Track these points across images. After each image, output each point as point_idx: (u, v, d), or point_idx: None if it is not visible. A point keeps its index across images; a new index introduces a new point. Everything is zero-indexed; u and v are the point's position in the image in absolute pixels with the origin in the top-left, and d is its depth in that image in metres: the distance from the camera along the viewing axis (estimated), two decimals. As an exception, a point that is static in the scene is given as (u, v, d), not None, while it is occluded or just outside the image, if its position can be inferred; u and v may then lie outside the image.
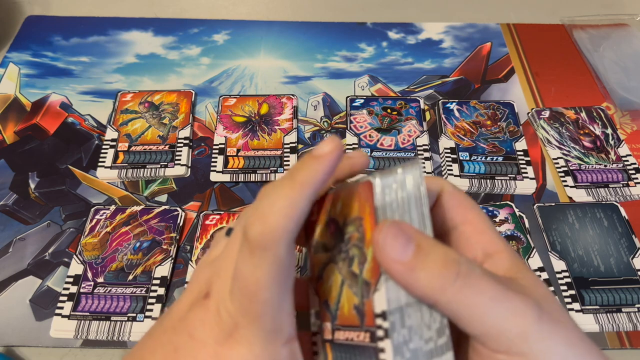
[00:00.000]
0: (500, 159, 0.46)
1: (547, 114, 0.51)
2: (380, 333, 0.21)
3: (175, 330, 0.23)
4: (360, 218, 0.22)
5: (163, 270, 0.39)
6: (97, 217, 0.42)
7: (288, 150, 0.47)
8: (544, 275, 0.39)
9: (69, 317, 0.37)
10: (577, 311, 0.38)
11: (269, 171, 0.45)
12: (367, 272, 0.22)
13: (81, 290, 0.38)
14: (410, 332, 0.21)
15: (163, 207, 0.43)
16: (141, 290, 0.38)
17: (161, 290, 0.38)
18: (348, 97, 0.52)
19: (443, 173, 0.46)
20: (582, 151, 0.47)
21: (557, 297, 0.23)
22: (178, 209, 0.43)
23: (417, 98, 0.52)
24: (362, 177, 0.23)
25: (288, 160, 0.46)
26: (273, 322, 0.22)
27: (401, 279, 0.21)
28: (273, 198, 0.21)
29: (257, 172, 0.45)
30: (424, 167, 0.46)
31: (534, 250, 0.41)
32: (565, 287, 0.39)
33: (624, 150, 0.48)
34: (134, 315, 0.37)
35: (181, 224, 0.42)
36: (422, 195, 0.22)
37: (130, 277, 0.39)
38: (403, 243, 0.21)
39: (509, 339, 0.20)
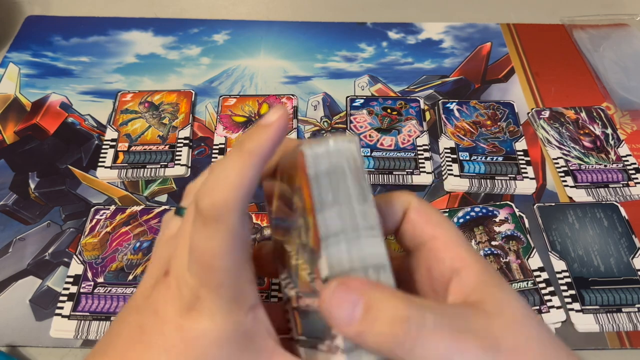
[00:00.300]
0: (500, 159, 0.46)
1: (547, 114, 0.51)
2: None
3: (140, 309, 0.24)
4: (300, 187, 0.22)
5: (163, 270, 0.39)
6: (97, 217, 0.42)
7: (288, 150, 0.47)
8: (544, 275, 0.39)
9: (69, 317, 0.37)
10: (577, 311, 0.38)
11: (269, 171, 0.45)
12: (311, 239, 0.22)
13: (81, 290, 0.38)
14: None
15: (163, 207, 0.43)
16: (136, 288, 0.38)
17: (161, 290, 0.38)
18: (348, 97, 0.52)
19: (443, 173, 0.46)
20: (582, 151, 0.47)
21: (531, 312, 0.22)
22: (178, 209, 0.43)
23: (417, 98, 0.52)
24: (302, 145, 0.22)
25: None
26: (232, 290, 0.22)
27: (353, 340, 0.21)
28: (222, 169, 0.21)
29: (257, 172, 0.45)
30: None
31: (534, 250, 0.41)
32: (565, 287, 0.39)
33: (624, 150, 0.48)
34: (134, 315, 0.37)
35: (181, 224, 0.42)
36: (358, 166, 0.22)
37: (131, 277, 0.39)
38: (350, 305, 0.20)
39: None
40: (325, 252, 0.21)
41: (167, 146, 0.47)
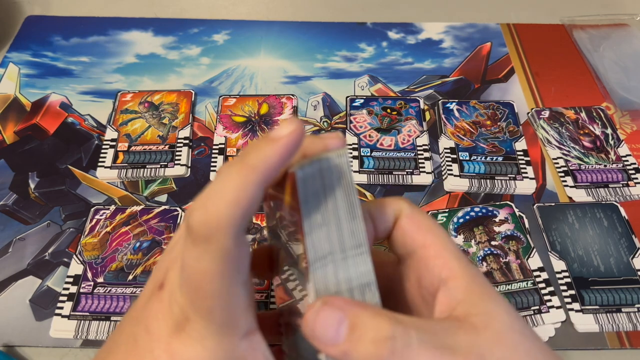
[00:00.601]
0: (500, 159, 0.46)
1: (547, 114, 0.51)
2: None
3: (136, 321, 0.23)
4: (292, 207, 0.22)
5: (163, 270, 0.39)
6: (97, 217, 0.42)
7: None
8: (544, 275, 0.39)
9: (68, 317, 0.37)
10: (577, 311, 0.38)
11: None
12: (301, 261, 0.21)
13: (81, 290, 0.38)
14: None
15: (163, 207, 0.43)
16: (141, 291, 0.38)
17: (161, 290, 0.38)
18: (348, 97, 0.52)
19: (443, 173, 0.46)
20: (582, 151, 0.47)
21: (519, 322, 0.22)
22: (178, 209, 0.43)
23: (417, 98, 0.52)
24: (297, 164, 0.21)
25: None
26: (224, 315, 0.20)
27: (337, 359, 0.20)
28: (219, 182, 0.19)
29: (257, 172, 0.45)
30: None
31: (534, 250, 0.41)
32: (565, 287, 0.39)
33: (623, 150, 0.48)
34: (134, 315, 0.37)
35: (181, 224, 0.42)
36: (348, 182, 0.22)
37: (130, 277, 0.39)
38: (335, 325, 0.20)
39: None
40: (313, 276, 0.21)
41: (167, 146, 0.47)
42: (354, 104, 0.51)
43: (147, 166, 0.46)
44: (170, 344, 0.21)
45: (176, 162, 0.46)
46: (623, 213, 0.43)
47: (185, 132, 0.48)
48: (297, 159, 0.22)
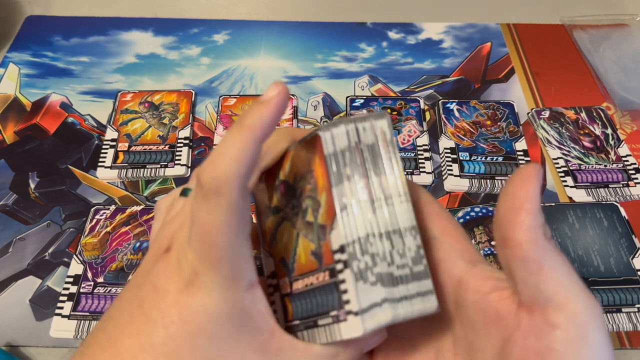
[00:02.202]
0: (500, 159, 0.46)
1: (547, 114, 0.51)
2: (339, 266, 0.22)
3: (140, 286, 0.24)
4: (310, 170, 0.23)
5: (163, 270, 0.39)
6: (97, 217, 0.42)
7: (288, 150, 0.47)
8: (544, 275, 0.39)
9: (69, 317, 0.37)
10: (577, 311, 0.38)
11: (269, 171, 0.45)
12: (321, 216, 0.22)
13: (81, 290, 0.38)
14: (373, 258, 0.22)
15: (163, 207, 0.43)
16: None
17: (161, 290, 0.38)
18: (348, 97, 0.52)
19: (443, 173, 0.46)
20: (582, 151, 0.47)
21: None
22: (178, 209, 0.43)
23: (417, 98, 0.52)
24: (315, 129, 0.23)
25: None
26: (231, 267, 0.22)
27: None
28: (223, 144, 0.21)
29: (257, 172, 0.45)
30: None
31: (534, 250, 0.41)
32: (565, 287, 0.39)
33: (624, 150, 0.48)
34: (134, 315, 0.37)
35: (181, 224, 0.42)
36: (388, 141, 0.23)
37: (131, 277, 0.39)
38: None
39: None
40: (341, 222, 0.22)
41: (167, 146, 0.47)
42: (354, 104, 0.51)
43: (147, 166, 0.46)
44: (178, 298, 0.22)
45: (176, 162, 0.46)
46: (623, 213, 0.43)
47: (186, 132, 0.48)
48: (288, 141, 0.25)
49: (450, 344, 0.25)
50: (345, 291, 0.21)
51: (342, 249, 0.22)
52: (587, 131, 0.49)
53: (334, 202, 0.22)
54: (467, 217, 0.43)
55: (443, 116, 0.50)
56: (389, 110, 0.51)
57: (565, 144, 0.48)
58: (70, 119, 0.50)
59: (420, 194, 0.25)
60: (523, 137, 0.48)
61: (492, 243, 0.41)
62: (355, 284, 0.21)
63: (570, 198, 0.45)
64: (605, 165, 0.46)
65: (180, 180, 0.46)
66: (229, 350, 0.22)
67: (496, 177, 0.45)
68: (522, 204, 0.21)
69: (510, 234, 0.21)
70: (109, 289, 0.38)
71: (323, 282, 0.23)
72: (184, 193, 0.27)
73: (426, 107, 0.51)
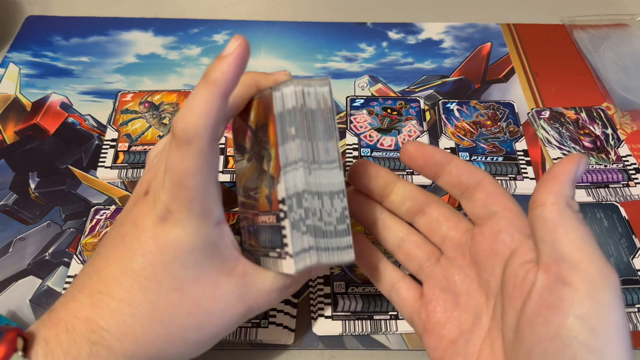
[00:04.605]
0: (500, 159, 0.46)
1: (547, 114, 0.51)
2: (281, 215, 0.26)
3: (122, 224, 0.27)
4: (266, 124, 0.26)
5: (163, 270, 0.39)
6: (97, 217, 0.42)
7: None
8: (544, 275, 0.39)
9: (69, 317, 0.37)
10: (577, 311, 0.38)
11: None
12: (272, 168, 0.26)
13: (81, 290, 0.38)
14: (306, 212, 0.25)
15: (163, 207, 0.43)
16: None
17: (161, 291, 0.38)
18: (348, 97, 0.52)
19: (443, 173, 0.46)
20: (582, 151, 0.47)
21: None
22: (178, 209, 0.43)
23: (417, 98, 0.52)
24: (270, 88, 0.26)
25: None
26: (201, 206, 0.25)
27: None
28: (192, 98, 0.23)
29: (257, 172, 0.45)
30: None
31: (534, 250, 0.41)
32: (565, 287, 0.39)
33: (624, 150, 0.48)
34: (134, 315, 0.37)
35: (181, 224, 0.42)
36: (328, 107, 0.26)
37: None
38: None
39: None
40: (284, 177, 0.25)
41: (167, 146, 0.47)
42: (354, 104, 0.51)
43: (147, 166, 0.46)
44: (155, 232, 0.25)
45: (176, 162, 0.46)
46: (623, 213, 0.43)
47: (186, 132, 0.48)
48: (255, 91, 0.28)
49: (489, 307, 0.28)
50: (285, 236, 0.26)
51: (283, 201, 0.25)
52: (587, 131, 0.49)
53: (280, 159, 0.25)
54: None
55: (443, 116, 0.50)
56: (388, 110, 0.51)
57: (565, 144, 0.48)
58: (70, 119, 0.50)
59: (483, 176, 0.29)
60: (523, 137, 0.48)
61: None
62: (291, 232, 0.25)
63: (570, 198, 0.44)
64: (606, 165, 0.46)
65: (180, 180, 0.46)
66: (201, 274, 0.26)
67: (496, 177, 0.45)
68: (555, 176, 0.24)
69: (537, 197, 0.24)
70: (109, 289, 0.38)
71: (272, 224, 0.27)
72: None
73: (426, 107, 0.51)
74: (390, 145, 0.47)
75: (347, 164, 0.45)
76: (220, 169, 0.46)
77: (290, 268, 0.26)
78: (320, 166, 0.26)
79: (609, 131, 0.49)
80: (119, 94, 0.52)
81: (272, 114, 0.25)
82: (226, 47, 0.23)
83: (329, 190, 0.26)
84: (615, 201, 0.44)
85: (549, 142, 0.48)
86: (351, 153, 0.47)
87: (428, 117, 0.50)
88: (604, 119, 0.50)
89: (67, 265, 0.40)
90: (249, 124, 0.28)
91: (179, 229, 0.25)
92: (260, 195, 0.28)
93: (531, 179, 0.45)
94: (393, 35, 0.59)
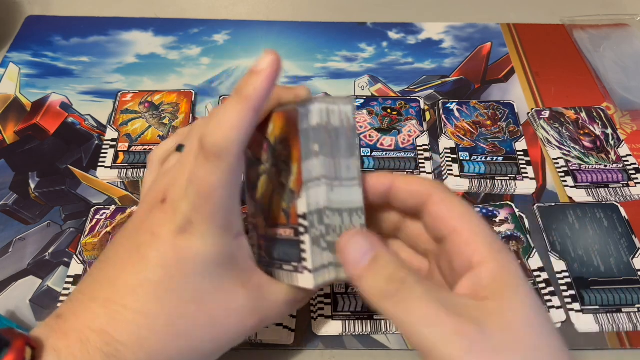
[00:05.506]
0: (500, 159, 0.46)
1: (547, 114, 0.51)
2: (301, 229, 0.26)
3: (137, 231, 0.26)
4: (287, 139, 0.26)
5: (163, 270, 0.39)
6: (97, 217, 0.42)
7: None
8: (544, 275, 0.39)
9: (69, 317, 0.37)
10: (577, 311, 0.38)
11: (269, 171, 0.45)
12: (292, 182, 0.26)
13: (81, 290, 0.38)
14: (327, 228, 0.26)
15: (163, 207, 0.43)
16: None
17: (161, 291, 0.38)
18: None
19: (443, 173, 0.46)
20: (582, 151, 0.47)
21: (540, 319, 0.23)
22: (178, 209, 0.43)
23: (417, 98, 0.52)
24: (295, 104, 0.26)
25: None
26: (224, 219, 0.25)
27: (352, 279, 0.25)
28: (224, 112, 0.23)
29: (257, 172, 0.45)
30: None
31: (534, 250, 0.41)
32: (565, 287, 0.39)
33: (624, 150, 0.48)
34: (134, 315, 0.37)
35: (181, 224, 0.42)
36: (351, 126, 0.26)
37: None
38: (363, 251, 0.25)
39: None
40: (306, 193, 0.25)
41: (167, 146, 0.47)
42: (354, 104, 0.51)
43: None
44: (175, 242, 0.25)
45: (176, 162, 0.46)
46: (623, 213, 0.43)
47: (186, 132, 0.48)
48: (275, 104, 0.28)
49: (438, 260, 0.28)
50: (304, 250, 0.26)
51: (304, 216, 0.25)
52: (587, 131, 0.49)
53: (302, 175, 0.25)
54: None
55: (443, 116, 0.50)
56: (388, 110, 0.51)
57: (565, 144, 0.48)
58: (70, 119, 0.50)
59: (431, 192, 0.27)
60: (523, 137, 0.48)
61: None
62: (311, 248, 0.26)
63: (570, 198, 0.45)
64: (606, 165, 0.46)
65: (180, 180, 0.45)
66: (219, 286, 0.26)
67: (496, 177, 0.45)
68: None
69: None
70: (109, 289, 0.38)
71: (289, 237, 0.27)
72: (179, 149, 0.30)
73: (426, 107, 0.51)
74: (390, 146, 0.47)
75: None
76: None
77: (309, 283, 0.26)
78: (342, 183, 0.26)
79: (609, 131, 0.49)
80: (119, 94, 0.52)
81: (297, 130, 0.25)
82: (258, 61, 0.24)
83: (348, 207, 0.26)
84: (615, 201, 0.44)
85: (549, 142, 0.48)
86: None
87: (428, 117, 0.50)
88: (604, 119, 0.50)
89: (67, 265, 0.40)
90: (267, 136, 0.28)
91: (199, 240, 0.25)
92: (274, 208, 0.28)
93: (531, 179, 0.45)
94: (393, 35, 0.59)
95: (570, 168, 0.46)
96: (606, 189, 0.45)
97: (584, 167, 0.46)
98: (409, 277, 0.23)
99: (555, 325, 0.25)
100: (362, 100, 0.51)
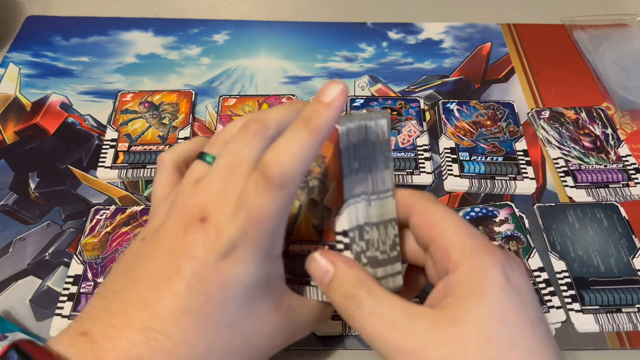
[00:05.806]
0: (500, 159, 0.46)
1: (547, 114, 0.51)
2: (340, 246, 0.26)
3: (174, 252, 0.25)
4: (322, 156, 0.26)
5: (163, 270, 0.39)
6: (97, 217, 0.42)
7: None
8: (544, 275, 0.39)
9: (69, 317, 0.37)
10: (577, 311, 0.38)
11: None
12: (328, 199, 0.26)
13: (81, 290, 0.38)
14: (367, 244, 0.26)
15: (163, 207, 0.43)
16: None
17: (161, 291, 0.38)
18: (348, 97, 0.52)
19: (443, 173, 0.46)
20: (582, 151, 0.47)
21: (511, 316, 0.23)
22: (178, 209, 0.43)
23: (417, 98, 0.52)
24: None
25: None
26: (270, 245, 0.25)
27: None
28: (292, 142, 0.23)
29: (257, 172, 0.45)
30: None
31: (534, 250, 0.41)
32: (565, 287, 0.39)
33: (624, 150, 0.48)
34: (134, 315, 0.37)
35: (181, 224, 0.42)
36: (386, 139, 0.26)
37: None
38: (324, 271, 0.26)
39: None
40: (346, 210, 0.25)
41: (167, 146, 0.47)
42: (354, 104, 0.51)
43: (148, 166, 0.46)
44: (218, 267, 0.24)
45: (176, 162, 0.46)
46: (623, 213, 0.43)
47: (186, 133, 0.48)
48: None
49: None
50: None
51: (345, 233, 0.26)
52: (587, 131, 0.49)
53: (344, 192, 0.25)
54: (467, 218, 0.43)
55: (443, 116, 0.50)
56: (389, 110, 0.51)
57: (565, 144, 0.48)
58: (70, 119, 0.50)
59: (413, 202, 0.27)
60: (523, 137, 0.48)
61: (494, 243, 0.41)
62: None
63: (570, 198, 0.45)
64: (605, 165, 0.46)
65: (180, 180, 0.45)
66: (254, 310, 0.26)
67: (496, 177, 0.45)
68: None
69: None
70: (109, 289, 0.38)
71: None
72: (203, 158, 0.28)
73: (426, 107, 0.51)
74: (390, 145, 0.47)
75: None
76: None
77: None
78: (378, 196, 0.26)
79: (609, 131, 0.49)
80: (119, 94, 0.52)
81: (336, 147, 0.25)
82: (325, 90, 0.23)
83: (383, 220, 0.27)
84: (615, 201, 0.44)
85: (549, 142, 0.48)
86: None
87: (428, 117, 0.50)
88: (604, 119, 0.50)
89: (67, 265, 0.40)
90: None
91: (242, 265, 0.24)
92: (300, 225, 0.28)
93: (531, 179, 0.45)
94: (393, 35, 0.59)
95: (570, 168, 0.46)
96: (606, 189, 0.45)
97: (584, 167, 0.46)
98: (362, 293, 0.25)
99: (548, 328, 0.24)
100: (362, 101, 0.51)
